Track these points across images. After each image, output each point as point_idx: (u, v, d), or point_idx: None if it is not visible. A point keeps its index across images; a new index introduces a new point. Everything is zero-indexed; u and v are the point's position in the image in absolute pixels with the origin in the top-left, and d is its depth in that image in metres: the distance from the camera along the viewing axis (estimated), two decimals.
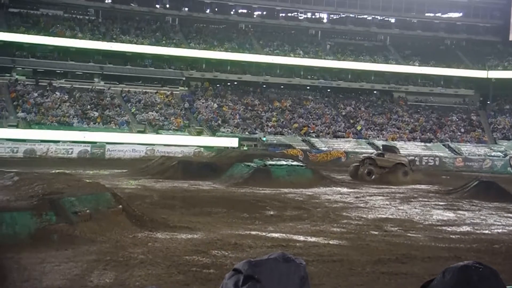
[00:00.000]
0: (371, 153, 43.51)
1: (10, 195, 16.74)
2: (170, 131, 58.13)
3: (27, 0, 67.81)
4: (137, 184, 29.46)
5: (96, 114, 57.91)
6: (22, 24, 65.14)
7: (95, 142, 52.17)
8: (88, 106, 59.10)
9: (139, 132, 57.06)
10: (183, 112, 62.90)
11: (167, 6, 74.63)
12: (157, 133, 57.33)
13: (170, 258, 13.12)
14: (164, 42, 69.38)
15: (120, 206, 16.76)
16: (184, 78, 68.23)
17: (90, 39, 65.58)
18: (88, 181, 21.49)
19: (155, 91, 65.61)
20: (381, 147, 47.62)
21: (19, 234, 13.91)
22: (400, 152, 44.20)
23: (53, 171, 27.33)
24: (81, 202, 15.60)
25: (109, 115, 58.36)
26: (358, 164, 41.05)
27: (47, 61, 63.55)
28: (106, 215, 15.76)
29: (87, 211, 15.33)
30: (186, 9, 74.70)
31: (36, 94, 58.76)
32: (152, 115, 60.32)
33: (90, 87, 63.28)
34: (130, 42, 67.50)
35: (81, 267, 12.02)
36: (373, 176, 38.49)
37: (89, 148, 51.18)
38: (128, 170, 37.90)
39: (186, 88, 68.10)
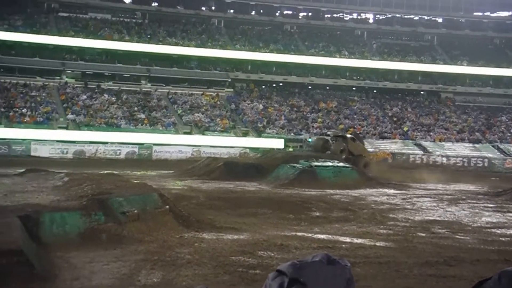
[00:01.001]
0: (340, 133, 41.92)
1: (60, 195, 17.08)
2: (216, 132, 58.46)
3: (76, 5, 69.09)
4: (184, 185, 29.69)
5: (143, 115, 58.63)
6: (71, 28, 66.44)
7: (143, 144, 52.81)
8: (135, 108, 59.88)
9: (185, 133, 57.57)
10: (229, 114, 63.19)
11: (213, 8, 75.11)
12: (203, 134, 57.72)
13: (217, 258, 13.18)
14: (209, 44, 69.84)
15: (167, 206, 16.91)
16: (229, 80, 68.55)
17: (137, 42, 66.49)
18: (135, 181, 21.77)
19: (201, 92, 66.09)
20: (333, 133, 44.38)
21: (69, 234, 14.16)
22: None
23: (101, 172, 27.75)
24: (129, 203, 15.79)
25: (156, 116, 59.01)
26: (325, 138, 40.00)
27: (95, 64, 64.65)
28: (153, 216, 15.92)
29: (135, 211, 15.51)
30: (232, 11, 75.02)
31: (85, 97, 59.82)
32: (198, 116, 60.75)
33: (137, 89, 64.14)
34: (176, 44, 68.20)
35: (129, 266, 12.18)
36: (343, 156, 37.76)
37: (136, 149, 51.83)
38: (174, 171, 38.24)
39: (232, 90, 68.39)
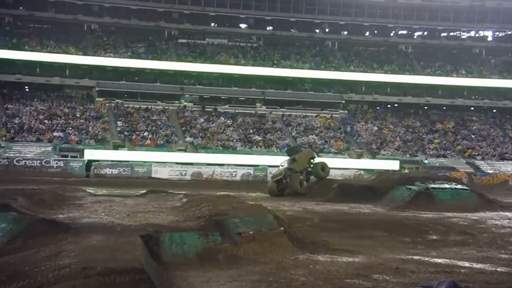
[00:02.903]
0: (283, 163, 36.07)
1: (179, 215, 17.62)
2: (330, 154, 58.34)
3: (194, 31, 71.50)
4: (298, 207, 29.72)
5: (259, 138, 59.50)
6: (190, 53, 68.79)
7: (258, 165, 53.53)
8: (251, 130, 60.91)
9: None
10: (343, 135, 62.95)
11: (327, 30, 75.36)
12: (317, 156, 57.62)
13: (331, 281, 13.11)
14: (323, 66, 70.10)
15: (282, 228, 16.98)
16: (343, 101, 68.39)
17: (252, 65, 67.82)
18: (251, 203, 22.07)
19: (315, 114, 66.29)
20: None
21: (187, 253, 14.54)
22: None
23: (218, 193, 28.32)
24: (244, 224, 16.02)
25: (271, 138, 59.74)
26: (275, 181, 34.56)
27: (212, 88, 66.54)
28: (268, 237, 16.05)
29: (250, 232, 15.72)
30: (345, 32, 74.94)
31: (202, 120, 61.57)
32: (312, 138, 60.93)
33: (253, 111, 65.27)
34: (291, 67, 68.92)
35: (244, 287, 12.35)
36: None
37: (251, 171, 52.56)
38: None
39: (346, 111, 68.17)
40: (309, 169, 34.92)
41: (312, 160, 35.55)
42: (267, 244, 15.76)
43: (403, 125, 67.03)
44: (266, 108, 66.23)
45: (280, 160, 53.28)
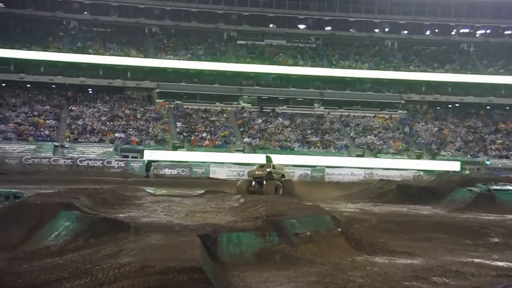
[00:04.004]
0: (260, 166, 35.88)
1: (236, 216, 17.80)
2: (389, 154, 57.77)
3: (253, 32, 71.81)
4: (356, 208, 29.58)
5: (316, 138, 59.37)
6: (248, 55, 69.14)
7: (315, 166, 53.44)
8: (309, 131, 60.82)
9: (358, 156, 57.50)
10: (402, 136, 62.17)
11: (386, 30, 74.53)
12: (376, 156, 57.26)
13: (389, 283, 13.03)
14: (383, 66, 69.40)
15: (339, 229, 16.97)
16: (403, 101, 67.56)
17: (310, 66, 67.64)
18: (308, 203, 22.07)
19: (374, 115, 65.70)
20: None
21: (245, 253, 14.68)
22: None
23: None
24: (301, 224, 16.07)
25: (329, 139, 59.51)
26: (247, 180, 34.86)
27: (270, 89, 66.70)
28: (325, 238, 16.06)
29: (308, 233, 15.75)
30: (406, 31, 73.94)
31: (260, 121, 61.80)
32: (371, 139, 60.41)
33: (311, 112, 65.12)
34: (350, 67, 68.50)
35: (301, 287, 12.40)
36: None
37: (309, 172, 52.51)
38: (346, 193, 38.18)
39: (405, 111, 67.30)
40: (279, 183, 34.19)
41: (281, 177, 34.98)
42: (324, 245, 15.77)
43: (464, 125, 65.74)
44: (324, 108, 66.01)
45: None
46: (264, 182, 33.42)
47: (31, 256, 13.87)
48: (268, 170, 34.21)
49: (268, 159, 37.25)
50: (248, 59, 67.91)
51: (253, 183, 33.92)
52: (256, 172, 34.85)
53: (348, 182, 49.51)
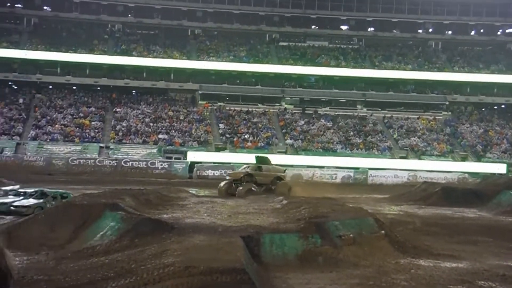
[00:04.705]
0: (246, 167, 35.26)
1: (279, 217, 17.85)
2: (433, 156, 57.08)
3: (295, 34, 71.75)
4: (399, 210, 29.33)
5: (359, 140, 59.01)
6: (290, 56, 69.10)
7: (358, 168, 53.14)
8: (351, 133, 60.48)
9: (401, 157, 56.95)
10: (446, 137, 61.35)
11: (430, 30, 73.63)
12: (420, 158, 56.62)
13: (434, 286, 12.91)
14: (426, 66, 68.62)
15: (383, 231, 16.87)
16: (447, 103, 66.67)
17: (353, 67, 67.25)
18: (351, 205, 21.97)
19: (417, 116, 64.99)
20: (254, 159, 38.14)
21: (287, 255, 14.71)
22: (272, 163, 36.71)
23: (318, 196, 28.36)
24: (344, 226, 16.02)
25: (372, 141, 59.07)
26: (228, 182, 34.25)
27: (312, 90, 66.54)
28: (368, 240, 15.98)
29: (351, 235, 15.70)
30: (450, 32, 72.92)
31: (302, 122, 61.71)
32: (415, 140, 59.77)
33: (353, 114, 64.73)
34: (393, 68, 67.88)
35: None
36: (259, 189, 32.36)
37: (352, 174, 52.26)
38: (390, 195, 37.88)
39: (449, 113, 66.40)
40: (272, 187, 33.31)
41: (278, 181, 33.95)
42: (367, 248, 15.69)
43: (511, 127, 64.52)
44: (367, 110, 65.52)
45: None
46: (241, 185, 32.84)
47: (77, 255, 14.15)
48: (247, 171, 33.74)
49: (262, 160, 36.50)
50: (290, 61, 67.87)
51: (233, 184, 33.58)
52: (234, 174, 34.84)
53: (392, 184, 49.13)
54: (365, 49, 72.28)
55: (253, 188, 32.09)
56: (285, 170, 36.72)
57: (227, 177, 36.20)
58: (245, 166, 35.83)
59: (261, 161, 36.11)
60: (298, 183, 39.31)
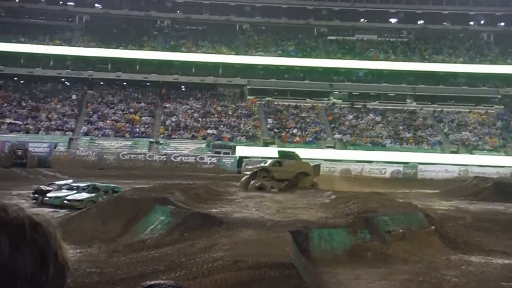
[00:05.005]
0: (265, 162, 34.54)
1: (327, 212, 17.81)
2: (485, 151, 56.02)
3: (344, 28, 71.30)
4: (450, 205, 28.90)
5: (409, 134, 58.34)
6: (338, 50, 68.73)
7: (408, 163, 52.54)
8: (401, 127, 59.82)
9: (452, 152, 56.05)
10: (499, 131, 60.12)
11: (482, 22, 72.21)
12: (471, 153, 55.64)
13: (485, 283, 12.72)
14: (478, 59, 67.30)
15: (433, 227, 16.68)
16: (499, 96, 65.29)
17: (402, 61, 66.48)
18: (400, 201, 21.78)
19: (469, 110, 63.84)
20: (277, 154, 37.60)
21: (336, 250, 14.69)
22: (301, 158, 35.67)
23: (366, 191, 28.18)
24: (394, 222, 15.91)
25: (422, 135, 58.34)
26: (249, 176, 33.54)
27: (361, 84, 66.02)
28: (418, 235, 15.83)
29: (400, 230, 15.58)
30: (503, 23, 71.36)
31: (351, 117, 61.32)
32: (466, 135, 58.76)
33: (403, 108, 63.99)
34: (443, 61, 66.86)
35: (394, 285, 12.28)
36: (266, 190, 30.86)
37: (401, 168, 51.72)
38: (440, 190, 37.37)
39: (502, 106, 65.01)
40: (293, 181, 32.36)
41: (302, 176, 33.08)
42: (417, 243, 15.54)
43: None
44: (417, 104, 64.69)
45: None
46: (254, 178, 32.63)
47: (128, 248, 14.40)
48: (261, 166, 33.65)
49: (285, 155, 36.12)
50: (339, 55, 67.50)
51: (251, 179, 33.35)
52: (251, 169, 34.97)
53: (442, 179, 48.45)
54: (414, 42, 71.34)
55: (265, 183, 31.52)
56: (319, 165, 36.68)
57: (245, 172, 36.33)
58: (266, 161, 35.45)
59: (285, 155, 35.67)
60: (347, 178, 38.92)
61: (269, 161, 34.53)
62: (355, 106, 63.74)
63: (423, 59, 67.53)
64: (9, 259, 1.11)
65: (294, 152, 37.08)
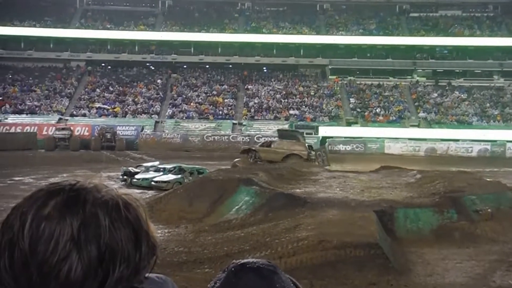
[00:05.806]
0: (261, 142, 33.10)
1: (413, 192, 17.59)
2: None
3: (427, 4, 69.63)
4: None
5: (496, 112, 56.57)
6: (422, 27, 67.16)
7: (495, 141, 51.00)
8: (488, 104, 58.08)
9: None
10: None
11: None
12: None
13: None
14: None
15: None
16: None
17: (488, 36, 64.37)
18: (488, 179, 21.24)
19: None
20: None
21: (422, 230, 14.51)
22: (304, 139, 33.70)
23: (453, 169, 27.63)
24: (482, 201, 15.56)
25: (510, 112, 56.45)
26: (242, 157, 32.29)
27: (445, 62, 64.41)
28: (508, 215, 15.42)
29: (488, 210, 15.23)
30: None
31: (435, 94, 60.00)
32: None
33: (489, 84, 62.06)
34: None
35: (482, 266, 12.05)
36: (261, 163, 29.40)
37: (488, 147, 50.26)
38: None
39: None
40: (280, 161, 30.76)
41: (293, 158, 31.54)
42: (507, 223, 15.14)
43: None
44: (505, 80, 62.52)
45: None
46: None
47: (214, 228, 14.71)
48: (249, 147, 34.49)
49: (285, 134, 35.52)
50: (422, 32, 65.96)
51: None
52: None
53: None
54: (501, 16, 68.80)
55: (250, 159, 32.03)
56: (324, 145, 37.34)
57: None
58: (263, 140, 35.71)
59: (285, 135, 35.06)
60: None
61: (261, 142, 34.40)
62: (439, 83, 62.28)
63: (510, 34, 65.05)
64: (109, 238, 1.18)
65: (297, 132, 36.59)
